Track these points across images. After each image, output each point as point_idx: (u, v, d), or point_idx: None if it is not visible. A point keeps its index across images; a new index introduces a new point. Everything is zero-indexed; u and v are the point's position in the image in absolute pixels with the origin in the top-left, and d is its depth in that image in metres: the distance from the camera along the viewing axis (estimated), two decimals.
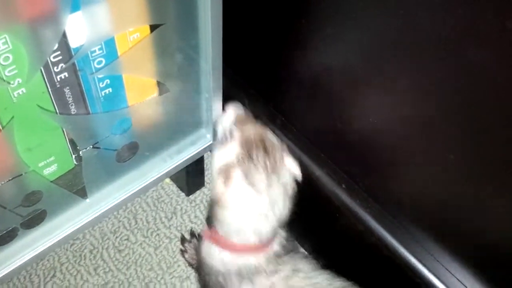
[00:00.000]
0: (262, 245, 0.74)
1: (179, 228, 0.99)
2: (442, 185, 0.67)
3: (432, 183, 0.68)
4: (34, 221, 0.69)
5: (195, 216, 1.00)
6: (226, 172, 0.71)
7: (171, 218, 1.00)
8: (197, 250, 0.86)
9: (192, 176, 0.99)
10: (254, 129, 0.75)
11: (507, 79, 0.52)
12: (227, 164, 0.72)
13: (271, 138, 0.75)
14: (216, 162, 0.74)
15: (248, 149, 0.72)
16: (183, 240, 0.98)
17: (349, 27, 0.66)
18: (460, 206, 0.66)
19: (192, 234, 0.99)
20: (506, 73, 0.52)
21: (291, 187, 0.75)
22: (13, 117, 0.57)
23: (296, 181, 0.76)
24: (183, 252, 0.96)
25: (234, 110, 0.78)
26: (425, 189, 0.70)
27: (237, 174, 0.70)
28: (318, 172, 0.82)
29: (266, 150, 0.72)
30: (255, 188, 0.70)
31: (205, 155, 0.96)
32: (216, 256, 0.76)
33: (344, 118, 0.75)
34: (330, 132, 0.80)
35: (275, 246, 0.77)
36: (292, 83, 0.81)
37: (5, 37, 0.52)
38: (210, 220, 0.77)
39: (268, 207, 0.71)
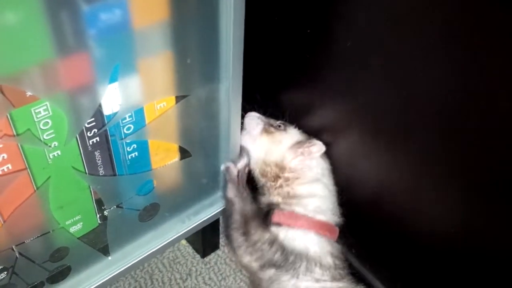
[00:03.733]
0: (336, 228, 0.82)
1: None
2: None
3: None
4: (59, 276, 0.72)
5: (209, 278, 1.03)
6: (304, 147, 0.82)
7: (186, 279, 1.02)
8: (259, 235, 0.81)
9: (207, 238, 1.02)
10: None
11: None
12: (299, 142, 0.83)
13: None
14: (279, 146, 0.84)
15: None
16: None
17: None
18: None
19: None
20: None
21: None
22: (49, 176, 0.61)
23: None
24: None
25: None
26: None
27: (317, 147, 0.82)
28: None
29: None
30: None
31: (220, 219, 1.00)
32: (301, 238, 0.78)
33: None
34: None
35: None
36: None
37: (46, 104, 0.56)
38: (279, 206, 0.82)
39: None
